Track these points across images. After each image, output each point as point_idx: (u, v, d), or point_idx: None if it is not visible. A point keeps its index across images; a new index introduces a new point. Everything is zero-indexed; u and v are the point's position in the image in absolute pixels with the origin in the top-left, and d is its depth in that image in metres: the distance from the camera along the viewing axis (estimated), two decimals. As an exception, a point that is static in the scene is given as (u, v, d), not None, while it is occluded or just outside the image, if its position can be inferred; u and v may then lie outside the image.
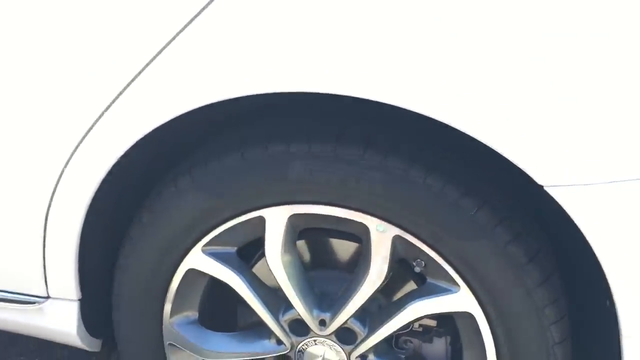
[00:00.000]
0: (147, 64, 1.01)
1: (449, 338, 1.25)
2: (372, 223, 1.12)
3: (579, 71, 0.94)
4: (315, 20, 0.98)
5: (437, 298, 1.15)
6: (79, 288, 1.26)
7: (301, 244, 1.27)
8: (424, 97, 0.98)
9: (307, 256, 1.29)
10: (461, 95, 0.97)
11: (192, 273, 1.23)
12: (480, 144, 1.00)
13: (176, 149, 1.24)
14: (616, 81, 0.93)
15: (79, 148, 1.10)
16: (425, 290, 1.17)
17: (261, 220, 1.16)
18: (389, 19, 0.96)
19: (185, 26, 0.99)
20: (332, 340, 1.23)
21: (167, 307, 1.26)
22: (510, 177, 1.08)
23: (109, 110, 1.05)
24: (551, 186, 1.01)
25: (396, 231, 1.12)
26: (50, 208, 1.17)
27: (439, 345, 1.26)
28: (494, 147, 0.98)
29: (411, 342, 1.26)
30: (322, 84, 1.00)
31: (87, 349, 1.33)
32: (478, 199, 1.09)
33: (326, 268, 1.28)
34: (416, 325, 1.26)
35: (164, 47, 1.01)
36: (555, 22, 0.92)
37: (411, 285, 1.23)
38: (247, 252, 1.26)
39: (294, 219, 1.16)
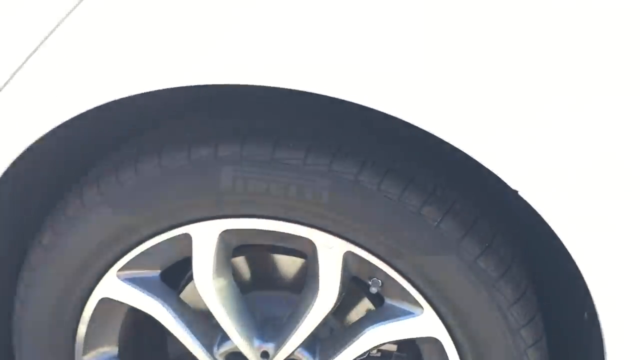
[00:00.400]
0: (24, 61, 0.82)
1: (411, 364, 1.10)
2: (319, 238, 0.95)
3: (556, 72, 0.81)
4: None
5: (397, 322, 0.99)
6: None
7: (239, 260, 1.10)
8: (374, 89, 0.82)
9: (245, 275, 1.11)
10: (426, 90, 0.81)
11: (107, 302, 1.03)
12: (437, 144, 0.84)
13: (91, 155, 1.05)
14: (591, 84, 0.81)
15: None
16: (383, 313, 1.00)
17: (187, 238, 0.98)
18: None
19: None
20: (277, 375, 1.05)
21: (79, 343, 1.06)
22: (477, 180, 0.93)
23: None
24: (526, 191, 0.87)
25: (348, 247, 0.95)
26: None
27: (400, 372, 1.10)
28: (463, 149, 0.82)
29: (369, 369, 1.10)
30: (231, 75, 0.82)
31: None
32: (442, 207, 0.93)
33: (269, 289, 1.11)
34: (374, 350, 1.10)
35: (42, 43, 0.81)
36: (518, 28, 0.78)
37: (367, 306, 1.07)
38: (175, 274, 1.07)
39: (226, 235, 0.97)
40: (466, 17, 0.80)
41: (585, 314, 1.02)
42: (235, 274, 1.06)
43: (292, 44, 0.81)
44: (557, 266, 1.01)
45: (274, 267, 1.11)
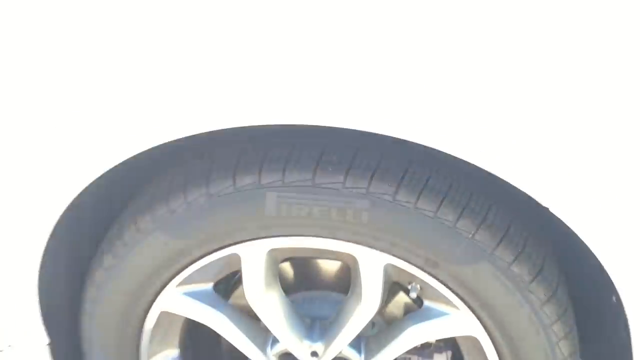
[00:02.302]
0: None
1: (449, 353, 1.18)
2: (360, 253, 1.01)
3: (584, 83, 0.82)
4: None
5: (437, 321, 1.06)
6: (45, 332, 1.15)
7: (285, 265, 1.17)
8: (405, 122, 0.86)
9: (292, 279, 1.18)
10: (452, 117, 0.85)
11: (166, 314, 1.12)
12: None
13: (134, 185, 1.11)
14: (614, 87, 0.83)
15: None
16: (423, 314, 1.07)
17: (237, 257, 1.05)
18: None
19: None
20: (326, 371, 1.14)
21: (144, 349, 1.15)
22: (505, 191, 0.97)
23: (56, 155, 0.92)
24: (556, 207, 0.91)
25: (387, 259, 1.01)
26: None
27: (440, 360, 1.18)
28: (495, 173, 0.87)
29: (410, 359, 1.18)
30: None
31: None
32: (475, 220, 0.98)
33: (313, 289, 1.18)
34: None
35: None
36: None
37: (408, 306, 1.14)
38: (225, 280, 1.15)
39: (273, 252, 1.04)
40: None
41: (614, 297, 1.07)
42: (282, 277, 1.13)
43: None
44: (585, 259, 1.06)
45: (318, 270, 1.18)
